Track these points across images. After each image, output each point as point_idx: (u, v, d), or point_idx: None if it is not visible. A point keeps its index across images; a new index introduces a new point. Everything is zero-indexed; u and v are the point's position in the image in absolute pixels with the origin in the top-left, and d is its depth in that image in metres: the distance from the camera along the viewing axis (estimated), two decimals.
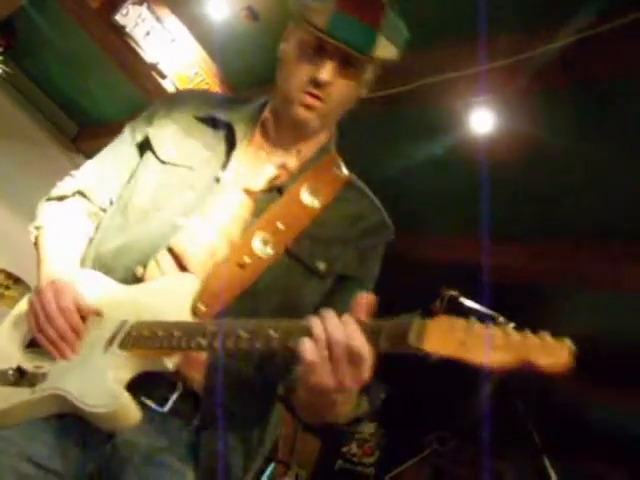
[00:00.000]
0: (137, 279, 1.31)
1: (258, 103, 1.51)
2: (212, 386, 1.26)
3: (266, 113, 1.46)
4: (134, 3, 3.78)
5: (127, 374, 1.19)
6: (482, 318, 0.94)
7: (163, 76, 3.89)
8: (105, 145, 1.59)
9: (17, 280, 3.80)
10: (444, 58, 2.89)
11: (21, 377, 1.26)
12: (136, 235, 1.35)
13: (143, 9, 3.80)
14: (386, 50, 1.34)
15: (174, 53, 3.85)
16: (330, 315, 1.04)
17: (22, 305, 1.39)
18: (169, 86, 3.88)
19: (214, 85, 3.84)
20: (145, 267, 1.31)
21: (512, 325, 0.94)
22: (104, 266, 1.36)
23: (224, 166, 1.40)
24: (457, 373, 1.22)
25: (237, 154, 1.42)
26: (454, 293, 3.02)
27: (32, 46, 5.02)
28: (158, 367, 1.20)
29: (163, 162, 1.43)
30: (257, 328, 1.08)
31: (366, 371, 1.02)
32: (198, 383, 1.26)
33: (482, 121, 3.06)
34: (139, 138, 1.50)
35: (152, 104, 1.57)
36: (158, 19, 3.82)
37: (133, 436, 1.22)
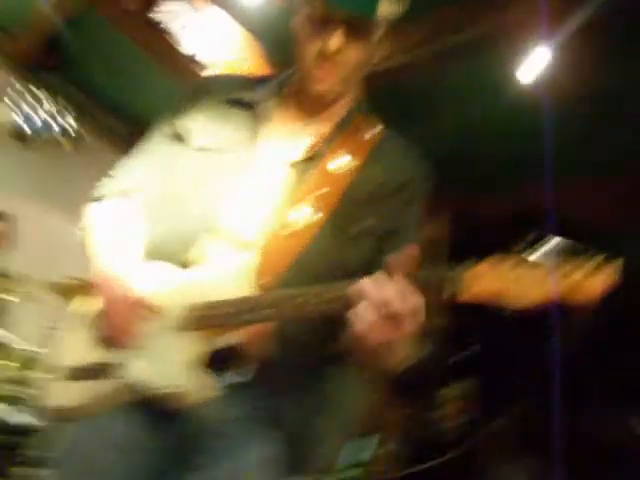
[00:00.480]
0: (190, 263, 1.36)
1: (281, 79, 1.54)
2: (278, 355, 1.30)
3: (290, 87, 1.50)
4: None
5: (195, 354, 1.27)
6: (565, 254, 0.96)
7: (203, 67, 3.90)
8: None
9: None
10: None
11: (96, 372, 1.33)
12: (182, 222, 1.40)
13: (180, 3, 3.82)
14: (388, 7, 1.37)
15: (217, 42, 3.85)
16: (380, 276, 1.12)
17: (87, 304, 1.45)
18: (208, 73, 3.89)
19: (261, 67, 3.85)
20: (197, 250, 1.36)
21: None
22: (155, 255, 1.41)
23: (258, 144, 1.44)
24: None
25: (269, 131, 1.46)
26: (534, 236, 2.97)
27: (75, 57, 5.12)
28: (224, 343, 1.26)
29: (197, 150, 1.46)
30: (312, 294, 1.17)
31: (418, 322, 1.10)
32: (264, 353, 1.30)
33: (541, 62, 2.97)
34: (170, 131, 1.54)
35: (177, 97, 1.60)
36: (195, 10, 3.83)
37: (207, 412, 1.28)
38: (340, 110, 1.50)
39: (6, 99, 1.77)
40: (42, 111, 1.83)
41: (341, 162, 1.43)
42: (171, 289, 1.35)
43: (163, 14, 3.83)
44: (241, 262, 1.33)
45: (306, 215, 1.37)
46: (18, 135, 1.78)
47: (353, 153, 1.44)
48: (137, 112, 5.49)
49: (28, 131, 1.80)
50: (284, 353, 1.31)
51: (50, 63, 5.08)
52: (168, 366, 1.28)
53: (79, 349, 1.39)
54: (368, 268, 1.21)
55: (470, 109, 3.51)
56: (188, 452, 1.30)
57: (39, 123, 1.81)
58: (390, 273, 1.12)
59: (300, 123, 1.48)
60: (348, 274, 1.21)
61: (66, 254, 5.01)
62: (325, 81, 1.40)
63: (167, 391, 1.25)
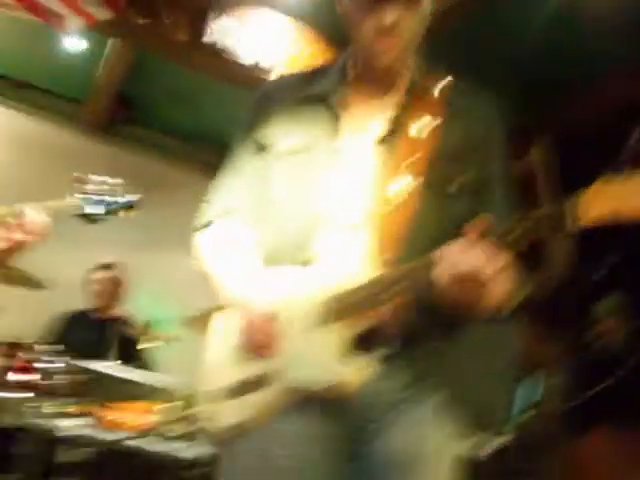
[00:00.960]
0: (310, 260, 1.42)
1: (340, 64, 1.56)
2: (417, 321, 1.36)
3: (353, 69, 1.53)
4: (215, 17, 3.86)
5: (340, 345, 1.34)
6: None
7: (269, 71, 3.93)
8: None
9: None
10: None
11: (254, 384, 1.41)
12: (292, 224, 1.45)
13: (224, 19, 3.87)
14: None
15: (273, 42, 3.88)
16: (459, 242, 1.20)
17: (224, 328, 1.53)
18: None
19: (323, 52, 3.87)
20: (314, 247, 1.41)
21: None
22: (274, 262, 1.47)
23: (341, 132, 1.47)
24: None
25: (347, 116, 1.49)
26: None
27: (144, 101, 5.30)
28: (366, 325, 1.34)
29: (285, 154, 1.51)
30: (418, 264, 1.26)
31: (504, 278, 1.19)
32: (404, 324, 1.37)
33: None
34: (253, 144, 1.58)
35: (246, 111, 1.65)
36: (241, 21, 3.88)
37: (368, 391, 1.34)
38: (407, 76, 1.51)
39: (75, 193, 1.92)
40: (106, 194, 2.00)
41: (422, 125, 1.46)
42: (301, 289, 1.42)
43: (214, 34, 3.89)
44: (359, 246, 1.38)
45: (405, 185, 1.41)
46: (87, 219, 1.94)
47: (431, 113, 1.47)
48: (219, 136, 5.62)
49: (96, 214, 1.96)
50: (423, 318, 1.36)
51: (124, 115, 5.28)
52: (321, 361, 1.35)
53: (231, 369, 1.47)
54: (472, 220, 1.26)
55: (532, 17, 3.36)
56: (361, 435, 1.37)
57: (104, 206, 1.97)
58: (470, 239, 1.20)
59: (374, 100, 1.51)
60: (456, 232, 1.25)
61: (187, 288, 5.24)
62: (388, 54, 1.43)
63: (327, 385, 1.33)
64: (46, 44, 4.63)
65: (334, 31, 3.88)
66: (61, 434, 2.94)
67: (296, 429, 1.37)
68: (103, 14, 3.50)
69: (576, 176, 1.23)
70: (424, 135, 1.45)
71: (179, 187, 5.73)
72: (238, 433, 1.41)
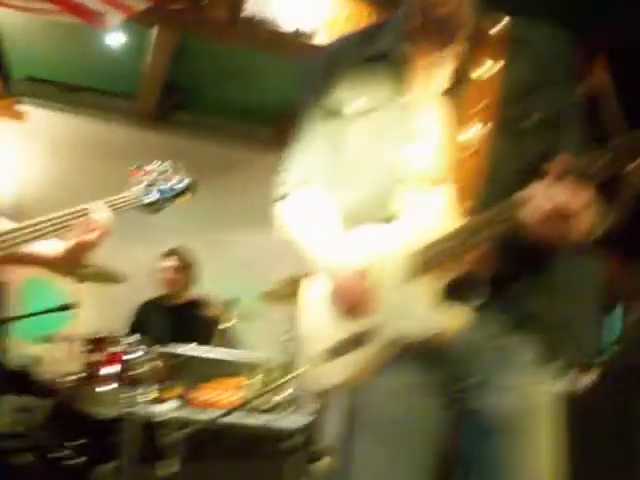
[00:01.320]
0: (393, 217, 1.45)
1: (396, 21, 1.58)
2: (504, 266, 1.38)
3: (411, 25, 1.53)
4: None
5: (435, 293, 1.37)
6: None
7: (311, 36, 3.89)
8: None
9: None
10: None
11: (355, 342, 1.46)
12: (370, 185, 1.49)
13: None
14: None
15: (310, 7, 3.83)
16: (544, 181, 1.23)
17: (313, 292, 1.58)
18: (323, 40, 3.88)
19: (363, 12, 3.80)
20: (395, 203, 1.45)
21: None
22: (357, 222, 1.50)
23: (407, 88, 1.49)
24: None
25: (412, 71, 1.51)
26: None
27: (193, 85, 5.33)
28: (454, 273, 1.37)
29: (356, 115, 1.53)
30: (511, 204, 1.27)
31: (589, 213, 1.21)
32: (491, 270, 1.38)
33: None
34: (321, 109, 1.60)
35: (308, 74, 1.68)
36: None
37: (463, 343, 1.38)
38: (466, 23, 1.51)
39: (133, 186, 1.94)
40: (161, 181, 2.02)
41: (486, 69, 1.47)
42: (386, 246, 1.45)
43: (251, 8, 3.86)
44: (440, 197, 1.41)
45: (477, 131, 1.43)
46: (149, 210, 1.96)
47: (493, 56, 1.47)
48: (270, 110, 5.63)
49: (155, 202, 1.98)
50: (512, 261, 1.37)
51: (174, 103, 5.33)
52: (418, 312, 1.39)
53: (329, 331, 1.51)
54: (548, 158, 1.28)
55: None
56: (461, 389, 1.41)
57: (161, 194, 2.00)
58: (554, 176, 1.22)
59: (436, 52, 1.52)
60: (536, 175, 1.27)
61: (255, 264, 5.31)
62: (446, 4, 1.45)
63: (428, 333, 1.36)
64: (88, 43, 4.71)
65: None
66: (158, 419, 3.04)
67: (400, 380, 1.42)
68: (141, 4, 3.51)
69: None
70: (490, 79, 1.46)
71: (237, 166, 5.78)
72: (345, 390, 1.48)
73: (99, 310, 4.74)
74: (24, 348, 4.00)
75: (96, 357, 3.67)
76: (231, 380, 3.37)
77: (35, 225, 1.65)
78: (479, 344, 1.39)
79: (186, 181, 2.05)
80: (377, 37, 1.58)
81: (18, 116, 5.32)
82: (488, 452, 1.39)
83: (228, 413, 3.05)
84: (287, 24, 3.84)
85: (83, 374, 3.68)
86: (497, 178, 1.39)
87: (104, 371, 3.61)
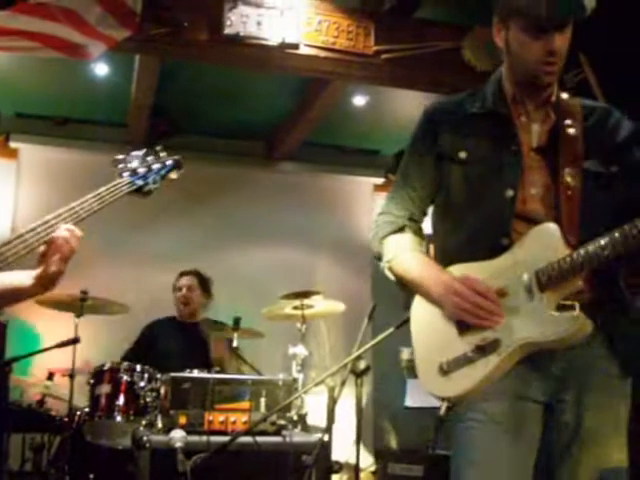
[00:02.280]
0: (505, 248, 1.68)
1: (493, 86, 1.84)
2: (602, 285, 1.68)
3: (510, 89, 1.81)
4: (231, 9, 3.82)
5: (553, 307, 1.60)
6: None
7: (295, 47, 3.88)
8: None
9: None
10: None
11: (480, 352, 1.62)
12: (479, 221, 1.73)
13: (240, 7, 3.84)
14: (591, 1, 1.66)
15: (292, 21, 3.84)
16: None
17: (423, 310, 1.77)
18: (305, 51, 3.89)
19: (342, 24, 3.85)
20: (509, 237, 1.69)
21: None
22: (460, 256, 1.74)
23: (513, 140, 1.76)
24: None
25: (512, 128, 1.77)
26: None
27: (181, 109, 5.33)
28: (572, 289, 1.60)
29: (465, 163, 1.78)
30: (609, 238, 1.52)
31: None
32: (592, 290, 1.66)
33: None
34: (428, 156, 1.84)
35: (419, 127, 1.91)
36: (257, 5, 3.84)
37: (573, 352, 1.63)
38: (553, 91, 1.80)
39: (121, 173, 1.93)
40: (151, 162, 2.02)
41: (571, 131, 1.76)
42: (497, 273, 1.67)
43: (234, 25, 3.85)
44: (548, 232, 1.65)
45: (571, 176, 1.71)
46: (142, 193, 1.96)
47: (574, 121, 1.77)
48: (265, 124, 5.63)
49: (148, 184, 1.97)
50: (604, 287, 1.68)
51: (164, 128, 5.33)
52: (549, 319, 1.58)
53: (446, 346, 1.68)
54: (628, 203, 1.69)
55: None
56: (560, 392, 1.66)
57: (154, 174, 2.00)
58: None
59: (532, 110, 1.79)
60: (617, 218, 1.57)
61: (254, 281, 5.29)
62: (553, 74, 1.72)
63: (561, 336, 1.56)
64: (75, 76, 4.73)
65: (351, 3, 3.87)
66: (176, 444, 3.01)
67: (512, 388, 1.63)
68: (122, 33, 3.51)
69: None
70: (573, 135, 1.75)
71: (231, 185, 5.79)
72: (472, 397, 1.64)
73: (101, 342, 4.74)
74: (29, 386, 3.97)
75: (102, 389, 3.65)
76: (245, 401, 3.35)
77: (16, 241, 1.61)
78: (583, 361, 1.64)
79: (172, 159, 2.05)
80: (478, 98, 1.84)
81: (9, 153, 5.34)
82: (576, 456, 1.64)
83: (240, 435, 3.02)
84: (272, 37, 3.83)
85: (91, 407, 3.66)
86: (588, 220, 1.67)
87: (119, 402, 3.60)
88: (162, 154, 2.05)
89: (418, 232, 1.89)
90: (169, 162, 2.04)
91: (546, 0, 1.64)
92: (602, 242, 1.53)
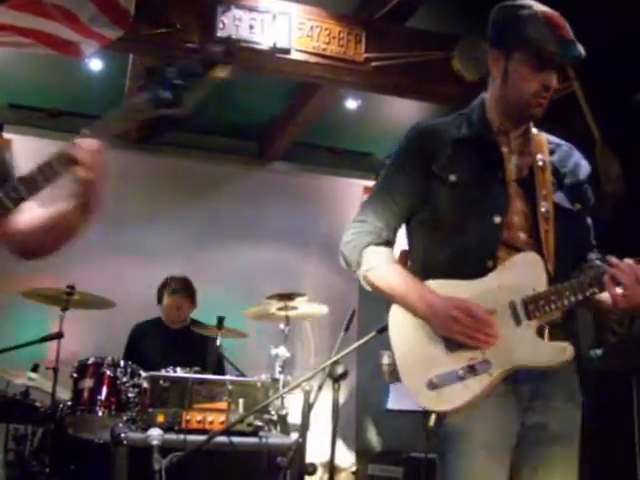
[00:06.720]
0: (489, 270, 1.76)
1: (478, 113, 1.91)
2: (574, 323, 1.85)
3: (496, 118, 1.89)
4: (224, 12, 3.85)
5: (541, 330, 1.74)
6: None
7: (287, 52, 3.91)
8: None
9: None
10: None
11: (471, 371, 1.70)
12: (466, 241, 1.79)
13: (233, 11, 3.86)
14: (583, 49, 1.80)
15: (284, 26, 3.87)
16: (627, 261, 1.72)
17: (403, 317, 1.80)
18: (296, 56, 3.92)
19: (331, 27, 3.87)
20: (494, 260, 1.76)
21: None
22: (444, 273, 1.79)
23: (500, 169, 1.84)
24: None
25: (496, 154, 1.85)
26: None
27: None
28: (552, 318, 1.74)
29: (455, 186, 1.83)
30: (577, 282, 1.73)
31: None
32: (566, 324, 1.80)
33: None
34: (418, 173, 1.88)
35: (409, 144, 1.94)
36: (250, 9, 3.87)
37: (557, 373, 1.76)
38: (529, 127, 1.91)
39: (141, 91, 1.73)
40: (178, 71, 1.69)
41: (541, 163, 1.87)
42: (482, 295, 1.74)
43: (226, 28, 3.88)
44: (530, 260, 1.76)
45: (546, 211, 1.82)
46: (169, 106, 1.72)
47: (542, 154, 1.89)
48: (255, 125, 5.65)
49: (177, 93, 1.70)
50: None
51: (161, 124, 5.33)
52: (539, 346, 1.72)
53: (433, 360, 1.73)
54: (583, 241, 1.92)
55: None
56: (532, 400, 1.76)
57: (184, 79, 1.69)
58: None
59: (513, 143, 1.89)
60: (583, 248, 1.90)
61: (242, 279, 5.31)
62: (543, 107, 1.83)
63: (551, 364, 1.71)
64: (70, 69, 4.73)
65: (340, 6, 3.89)
66: (153, 442, 3.04)
67: (497, 410, 1.72)
68: (115, 33, 3.54)
69: None
70: (545, 170, 1.86)
71: (223, 183, 5.81)
72: (459, 413, 1.70)
73: (87, 336, 4.77)
74: (14, 377, 4.00)
75: (85, 383, 3.68)
76: (224, 401, 3.38)
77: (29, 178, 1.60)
78: (552, 373, 1.75)
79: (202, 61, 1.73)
80: (464, 123, 1.91)
81: (3, 143, 5.34)
82: (546, 454, 1.76)
83: (216, 435, 3.06)
84: (263, 41, 3.86)
85: (73, 400, 3.69)
86: (562, 252, 1.80)
87: (101, 396, 3.63)
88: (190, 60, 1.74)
89: (392, 245, 1.92)
90: (202, 63, 1.74)
91: (558, 39, 1.76)
92: (587, 280, 1.72)
